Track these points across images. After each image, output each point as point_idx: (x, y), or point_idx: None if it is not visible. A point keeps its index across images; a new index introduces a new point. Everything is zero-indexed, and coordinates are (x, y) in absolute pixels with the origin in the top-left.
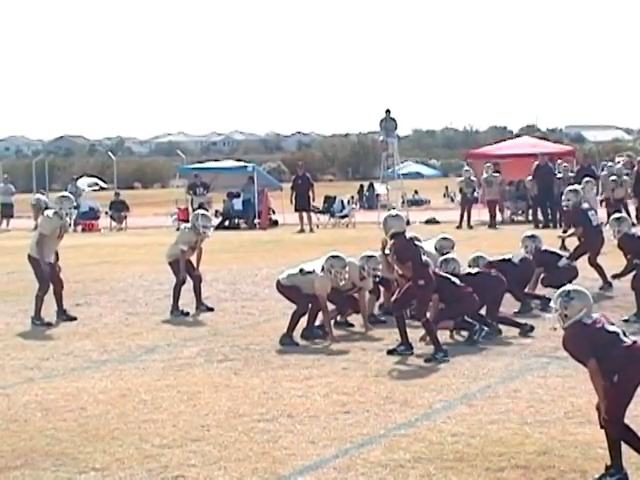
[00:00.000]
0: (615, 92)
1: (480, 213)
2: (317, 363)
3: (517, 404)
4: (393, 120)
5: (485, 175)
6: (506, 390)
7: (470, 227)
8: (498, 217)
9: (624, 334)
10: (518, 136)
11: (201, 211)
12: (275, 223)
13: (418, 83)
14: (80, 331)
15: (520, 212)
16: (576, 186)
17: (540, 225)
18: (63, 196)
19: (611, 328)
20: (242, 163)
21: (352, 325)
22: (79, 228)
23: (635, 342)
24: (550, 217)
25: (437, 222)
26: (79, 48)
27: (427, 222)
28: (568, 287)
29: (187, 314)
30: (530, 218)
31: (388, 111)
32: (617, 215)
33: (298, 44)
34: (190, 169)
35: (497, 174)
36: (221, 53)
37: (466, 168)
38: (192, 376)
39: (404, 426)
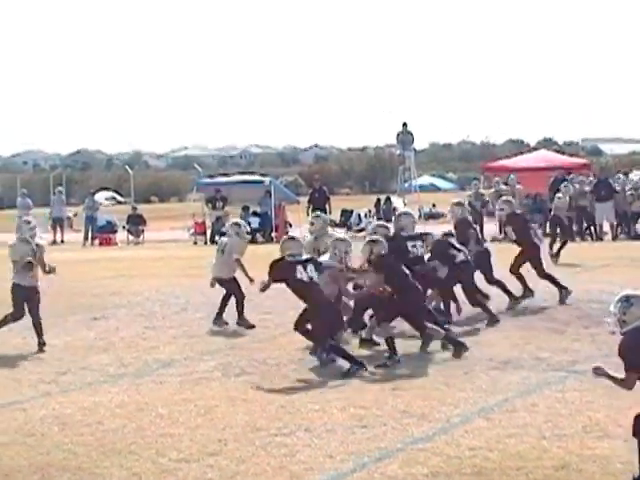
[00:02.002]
0: (633, 105)
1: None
2: (334, 377)
3: (535, 418)
4: (410, 133)
5: (493, 190)
6: (524, 404)
7: (482, 240)
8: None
9: None
10: (535, 149)
11: (235, 219)
12: None
13: (435, 96)
14: (97, 345)
15: (537, 225)
16: (505, 197)
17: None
18: (24, 221)
19: None
20: (259, 177)
21: (378, 344)
22: (96, 242)
23: None
24: (567, 230)
25: (453, 235)
26: (96, 62)
27: (444, 235)
28: (628, 292)
29: (227, 323)
30: (548, 231)
31: (405, 124)
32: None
33: (315, 58)
34: (207, 183)
35: (506, 187)
36: (238, 67)
37: (475, 182)
38: (209, 390)
39: (422, 440)
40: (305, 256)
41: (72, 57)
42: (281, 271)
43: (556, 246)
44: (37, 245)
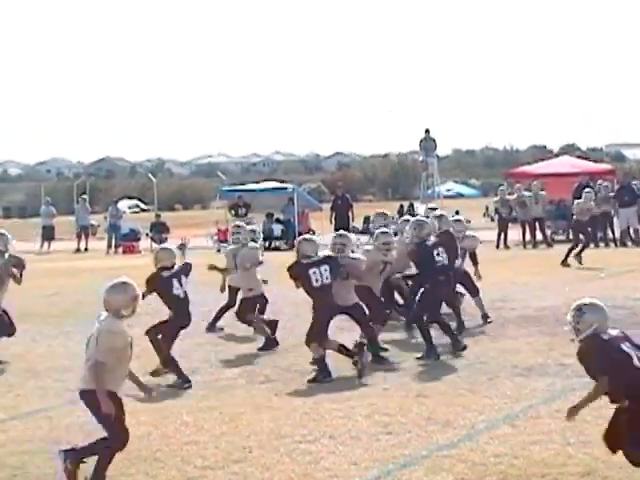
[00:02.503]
0: None
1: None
2: (358, 384)
3: (559, 424)
4: (433, 140)
5: (514, 196)
6: (548, 410)
7: (507, 247)
8: (538, 236)
9: (638, 358)
10: (558, 155)
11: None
12: None
13: (458, 103)
14: None
15: (561, 231)
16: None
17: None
18: None
19: (626, 348)
20: (282, 184)
21: (386, 349)
22: (120, 250)
23: None
24: (591, 236)
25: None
26: (120, 71)
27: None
28: (584, 300)
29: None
30: (571, 237)
31: (427, 131)
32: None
33: (337, 65)
34: (230, 190)
35: (529, 193)
36: (261, 75)
37: (502, 188)
38: (234, 397)
39: (446, 447)
40: (319, 256)
41: (95, 67)
42: (296, 273)
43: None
44: (10, 256)
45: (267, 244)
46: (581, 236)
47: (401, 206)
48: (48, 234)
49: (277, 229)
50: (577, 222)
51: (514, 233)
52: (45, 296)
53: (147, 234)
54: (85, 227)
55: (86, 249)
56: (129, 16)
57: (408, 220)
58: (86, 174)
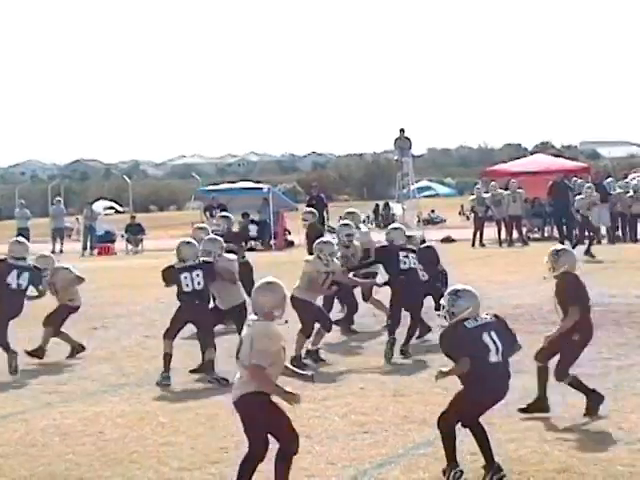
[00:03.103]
0: (630, 108)
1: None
2: (334, 384)
3: (536, 422)
4: (407, 139)
5: (489, 194)
6: None
7: (482, 245)
8: (515, 235)
9: (497, 351)
10: (533, 153)
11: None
12: (291, 244)
13: (432, 102)
14: (98, 355)
15: (536, 229)
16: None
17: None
18: None
19: (486, 339)
20: (258, 184)
21: (356, 332)
22: (95, 252)
23: (499, 362)
24: (566, 234)
25: (453, 240)
26: (93, 73)
27: (443, 241)
28: (458, 286)
29: None
30: (546, 235)
31: (402, 130)
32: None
33: (312, 65)
34: (206, 191)
35: (507, 191)
36: (236, 76)
37: (478, 186)
38: (210, 399)
39: (423, 445)
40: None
41: (69, 67)
42: (167, 276)
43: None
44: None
45: (243, 244)
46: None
47: (377, 205)
48: (23, 236)
49: (253, 229)
50: (583, 218)
51: (490, 231)
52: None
53: (122, 236)
54: (60, 229)
55: (61, 251)
56: (100, 16)
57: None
58: (61, 176)
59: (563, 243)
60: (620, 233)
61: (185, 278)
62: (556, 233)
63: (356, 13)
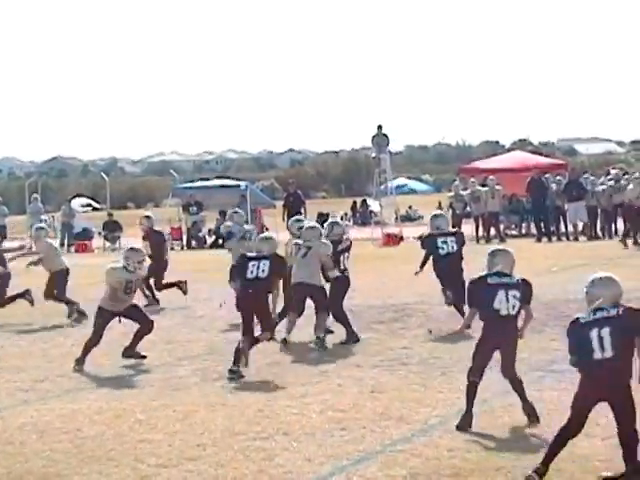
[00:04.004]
0: (607, 105)
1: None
2: (312, 380)
3: (513, 418)
4: (385, 136)
5: (468, 191)
6: (502, 404)
7: None
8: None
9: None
10: (510, 150)
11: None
12: None
13: (410, 99)
14: (75, 352)
15: (514, 226)
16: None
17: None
18: None
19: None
20: (235, 182)
21: (332, 332)
22: (72, 249)
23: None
24: (544, 230)
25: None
26: (71, 69)
27: (420, 237)
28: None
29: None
30: (524, 232)
31: (380, 127)
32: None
33: (289, 62)
34: (183, 188)
35: (485, 188)
36: (213, 72)
37: (456, 183)
38: (187, 395)
39: (400, 442)
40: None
41: (47, 63)
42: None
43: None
44: None
45: (221, 242)
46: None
47: (354, 202)
48: (0, 234)
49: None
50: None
51: (467, 228)
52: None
53: (100, 233)
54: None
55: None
56: (79, 13)
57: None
58: (38, 173)
59: (540, 240)
60: (599, 230)
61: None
62: (534, 230)
63: (333, 11)
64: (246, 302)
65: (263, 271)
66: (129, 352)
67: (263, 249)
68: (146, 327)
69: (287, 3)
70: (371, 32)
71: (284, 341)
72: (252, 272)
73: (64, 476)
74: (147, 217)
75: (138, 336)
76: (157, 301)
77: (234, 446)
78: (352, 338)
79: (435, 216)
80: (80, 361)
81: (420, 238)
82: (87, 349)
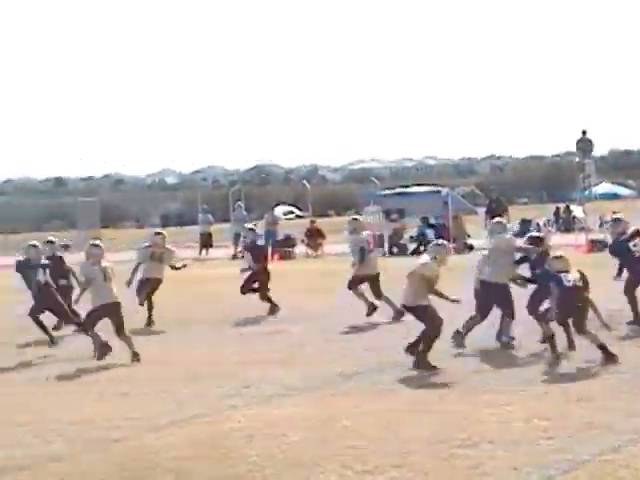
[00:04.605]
0: None
1: None
2: (517, 388)
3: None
4: (589, 141)
5: None
6: None
7: None
8: None
9: None
10: None
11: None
12: (470, 248)
13: (615, 103)
14: (277, 359)
15: None
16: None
17: None
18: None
19: None
20: (436, 187)
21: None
22: (275, 256)
23: None
24: None
25: None
26: (272, 79)
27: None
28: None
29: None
30: None
31: (584, 132)
32: None
33: (489, 66)
34: (383, 195)
35: None
36: (407, 80)
37: None
38: (392, 402)
39: (609, 452)
40: None
41: (249, 76)
42: None
43: None
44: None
45: (422, 248)
46: None
47: (557, 208)
48: (206, 241)
49: (430, 233)
50: None
51: None
52: (204, 302)
53: (302, 240)
54: (240, 234)
55: (243, 256)
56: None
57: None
58: (241, 181)
59: None
60: None
61: None
62: None
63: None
64: None
65: None
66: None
67: None
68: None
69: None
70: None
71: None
72: None
73: None
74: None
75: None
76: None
77: (439, 454)
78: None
79: (616, 220)
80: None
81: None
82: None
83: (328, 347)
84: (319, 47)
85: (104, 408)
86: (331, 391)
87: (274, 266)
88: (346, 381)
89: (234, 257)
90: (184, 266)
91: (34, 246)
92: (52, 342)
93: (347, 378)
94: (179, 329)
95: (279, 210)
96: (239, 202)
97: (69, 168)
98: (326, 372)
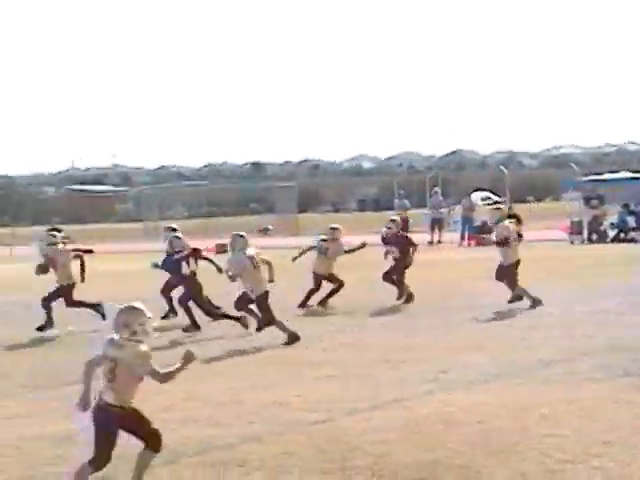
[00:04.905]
0: None
1: None
2: None
3: None
4: None
5: None
6: None
7: None
8: None
9: None
10: None
11: None
12: None
13: None
14: (473, 344)
15: None
16: None
17: None
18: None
19: None
20: (637, 174)
21: None
22: (472, 242)
23: None
24: None
25: None
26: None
27: None
28: None
29: None
30: None
31: None
32: None
33: None
34: (583, 182)
35: None
36: (606, 63)
37: None
38: (592, 391)
39: None
40: None
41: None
42: None
43: None
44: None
45: (623, 235)
46: None
47: None
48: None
49: (631, 220)
50: None
51: None
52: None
53: None
54: (438, 220)
55: (439, 241)
56: None
57: None
58: (437, 167)
59: None
60: None
61: None
62: None
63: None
64: None
65: None
66: None
67: None
68: None
69: None
70: None
71: None
72: None
73: (470, 467)
74: None
75: None
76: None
77: None
78: None
79: None
80: None
81: None
82: None
83: (529, 334)
84: None
85: (300, 390)
86: (527, 379)
87: (470, 252)
88: (545, 368)
89: (430, 243)
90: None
91: (177, 237)
92: (196, 327)
93: (545, 365)
94: (395, 314)
95: (476, 196)
96: (436, 188)
97: (267, 153)
98: (524, 359)
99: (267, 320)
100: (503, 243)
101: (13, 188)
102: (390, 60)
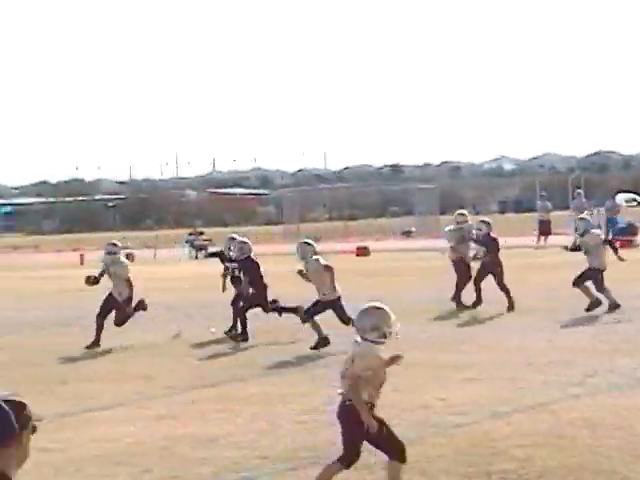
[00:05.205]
0: None
1: None
2: None
3: None
4: None
5: None
6: None
7: None
8: None
9: None
10: None
11: None
12: None
13: None
14: (624, 348)
15: None
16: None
17: None
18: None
19: None
20: None
21: None
22: (617, 244)
23: None
24: None
25: None
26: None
27: None
28: None
29: None
30: None
31: None
32: None
33: None
34: None
35: None
36: None
37: None
38: None
39: None
40: None
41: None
42: None
43: None
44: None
45: None
46: None
47: None
48: (544, 228)
49: None
50: None
51: None
52: (544, 290)
53: None
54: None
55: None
56: None
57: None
58: (579, 168)
59: None
60: None
61: None
62: None
63: None
64: None
65: None
66: None
67: None
68: None
69: None
70: None
71: None
72: None
73: (617, 472)
74: None
75: None
76: None
77: None
78: None
79: None
80: None
81: None
82: None
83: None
84: None
85: (444, 393)
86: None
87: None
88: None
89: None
90: None
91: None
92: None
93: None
94: (518, 317)
95: (620, 197)
96: (579, 189)
97: (405, 155)
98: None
99: (347, 319)
100: None
101: (156, 192)
102: (525, 61)
